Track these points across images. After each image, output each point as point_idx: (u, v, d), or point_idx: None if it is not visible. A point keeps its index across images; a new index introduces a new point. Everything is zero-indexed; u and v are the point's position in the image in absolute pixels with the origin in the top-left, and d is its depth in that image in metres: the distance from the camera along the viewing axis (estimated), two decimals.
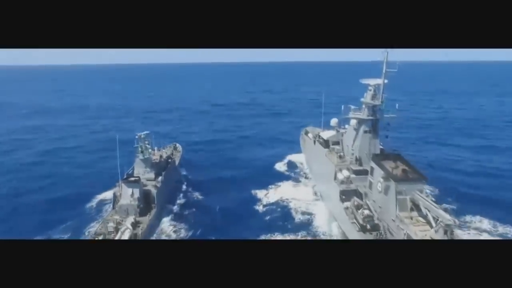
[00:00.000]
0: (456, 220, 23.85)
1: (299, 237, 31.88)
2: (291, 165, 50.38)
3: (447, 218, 23.04)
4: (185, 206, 39.38)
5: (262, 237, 31.69)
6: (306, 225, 34.11)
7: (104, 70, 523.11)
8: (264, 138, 69.50)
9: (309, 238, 31.92)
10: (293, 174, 47.55)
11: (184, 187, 44.35)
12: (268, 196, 40.63)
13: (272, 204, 38.61)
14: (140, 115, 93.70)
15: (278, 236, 32.09)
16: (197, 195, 42.21)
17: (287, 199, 39.37)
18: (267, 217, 36.08)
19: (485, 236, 31.35)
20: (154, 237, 32.39)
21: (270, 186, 42.78)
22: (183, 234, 33.41)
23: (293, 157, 52.53)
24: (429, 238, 23.53)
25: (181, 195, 42.06)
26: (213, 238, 30.69)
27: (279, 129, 76.14)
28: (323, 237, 32.05)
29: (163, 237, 32.82)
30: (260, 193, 41.22)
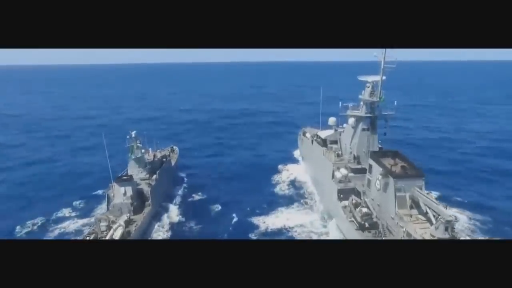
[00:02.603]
0: (457, 216, 23.77)
1: (298, 237, 31.58)
2: (291, 178, 46.85)
3: (448, 214, 22.91)
4: (180, 204, 39.06)
5: (262, 237, 31.29)
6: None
7: (100, 70, 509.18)
8: (265, 148, 64.53)
9: (308, 238, 31.58)
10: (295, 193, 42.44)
11: (180, 186, 43.86)
12: (265, 218, 35.93)
13: (273, 231, 33.53)
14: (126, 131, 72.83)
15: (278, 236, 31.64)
16: (193, 194, 41.74)
17: (290, 226, 33.92)
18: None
19: (484, 236, 31.25)
20: (148, 235, 32.03)
21: (269, 197, 40.40)
22: (177, 232, 33.03)
23: (293, 167, 49.95)
24: (430, 236, 23.42)
25: (177, 194, 41.63)
26: (212, 238, 30.24)
27: (281, 139, 69.72)
28: (322, 238, 31.74)
29: (158, 233, 32.60)
30: (258, 210, 37.89)
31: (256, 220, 35.40)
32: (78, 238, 30.91)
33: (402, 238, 25.51)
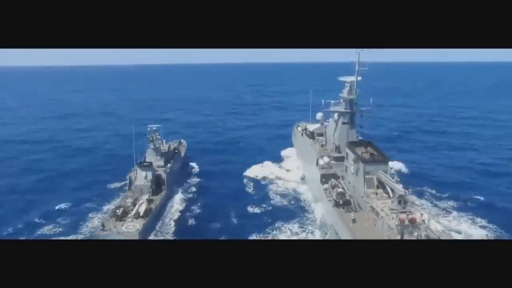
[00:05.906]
0: (407, 191, 29.19)
1: (296, 238, 33.44)
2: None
3: (400, 189, 28.48)
4: (190, 189, 45.62)
5: (261, 237, 32.86)
6: None
7: (100, 71, 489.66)
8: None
9: (305, 238, 33.40)
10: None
11: (189, 175, 50.58)
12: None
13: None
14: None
15: (277, 236, 33.18)
16: (200, 181, 48.09)
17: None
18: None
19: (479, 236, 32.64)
20: (163, 213, 38.22)
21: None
22: (185, 214, 38.32)
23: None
24: (388, 208, 28.91)
25: (187, 180, 48.31)
26: (213, 238, 32.43)
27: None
28: (317, 236, 33.80)
29: (171, 213, 38.77)
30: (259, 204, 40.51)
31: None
32: (108, 209, 37.58)
33: (368, 212, 31.11)
